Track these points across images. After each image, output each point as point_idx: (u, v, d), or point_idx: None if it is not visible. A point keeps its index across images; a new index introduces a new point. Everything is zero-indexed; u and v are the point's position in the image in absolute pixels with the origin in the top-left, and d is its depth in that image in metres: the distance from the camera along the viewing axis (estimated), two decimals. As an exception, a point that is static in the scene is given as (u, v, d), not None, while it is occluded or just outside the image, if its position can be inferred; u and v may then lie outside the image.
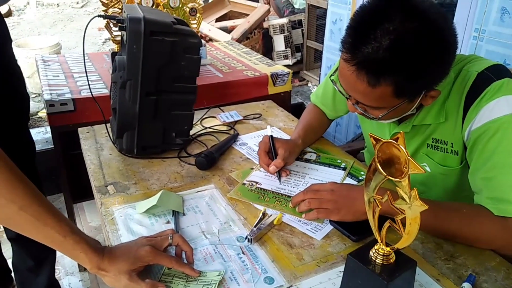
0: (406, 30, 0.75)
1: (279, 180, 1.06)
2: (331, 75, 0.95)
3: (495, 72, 0.88)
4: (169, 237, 0.76)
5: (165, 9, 1.82)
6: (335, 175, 1.09)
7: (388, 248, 0.65)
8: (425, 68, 0.78)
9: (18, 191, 0.65)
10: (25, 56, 3.28)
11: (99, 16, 1.14)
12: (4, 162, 0.65)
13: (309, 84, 3.87)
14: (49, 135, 2.30)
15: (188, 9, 1.88)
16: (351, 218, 0.87)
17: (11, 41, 1.35)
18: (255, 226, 0.86)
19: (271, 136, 1.12)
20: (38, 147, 2.42)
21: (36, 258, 1.51)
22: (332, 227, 0.89)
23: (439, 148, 0.97)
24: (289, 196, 0.99)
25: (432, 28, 0.76)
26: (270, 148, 1.09)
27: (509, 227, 0.80)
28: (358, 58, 0.78)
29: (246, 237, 0.84)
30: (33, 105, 3.15)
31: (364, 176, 1.07)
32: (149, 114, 1.11)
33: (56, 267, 1.63)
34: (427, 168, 1.02)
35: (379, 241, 0.65)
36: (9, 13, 6.23)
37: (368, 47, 0.76)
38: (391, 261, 0.65)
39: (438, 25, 0.77)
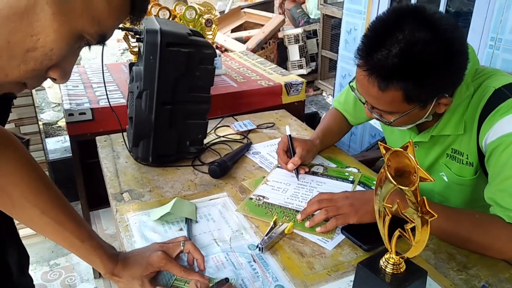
0: (415, 39, 0.78)
1: (297, 177, 1.10)
2: (351, 82, 1.00)
3: None
4: (181, 244, 0.77)
5: (181, 21, 1.86)
6: (343, 188, 1.07)
7: (398, 257, 0.65)
8: (432, 75, 0.81)
9: (42, 196, 0.68)
10: (46, 67, 3.37)
11: (118, 28, 1.17)
12: (31, 167, 0.68)
13: (324, 94, 3.87)
14: (68, 143, 2.36)
15: (204, 20, 1.91)
16: (370, 218, 0.87)
17: None
18: (266, 235, 0.87)
19: (290, 135, 1.17)
20: (57, 155, 2.47)
21: None
22: (343, 237, 0.89)
23: (457, 159, 0.98)
24: (297, 211, 0.97)
25: (440, 37, 0.79)
26: (288, 147, 1.14)
27: None
28: (370, 64, 0.83)
29: (257, 246, 0.85)
30: (53, 115, 3.23)
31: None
32: (164, 123, 1.13)
33: (71, 273, 1.65)
34: (445, 178, 1.02)
35: (389, 250, 0.65)
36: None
37: (379, 54, 0.81)
38: (401, 270, 0.65)
39: (447, 35, 0.79)
